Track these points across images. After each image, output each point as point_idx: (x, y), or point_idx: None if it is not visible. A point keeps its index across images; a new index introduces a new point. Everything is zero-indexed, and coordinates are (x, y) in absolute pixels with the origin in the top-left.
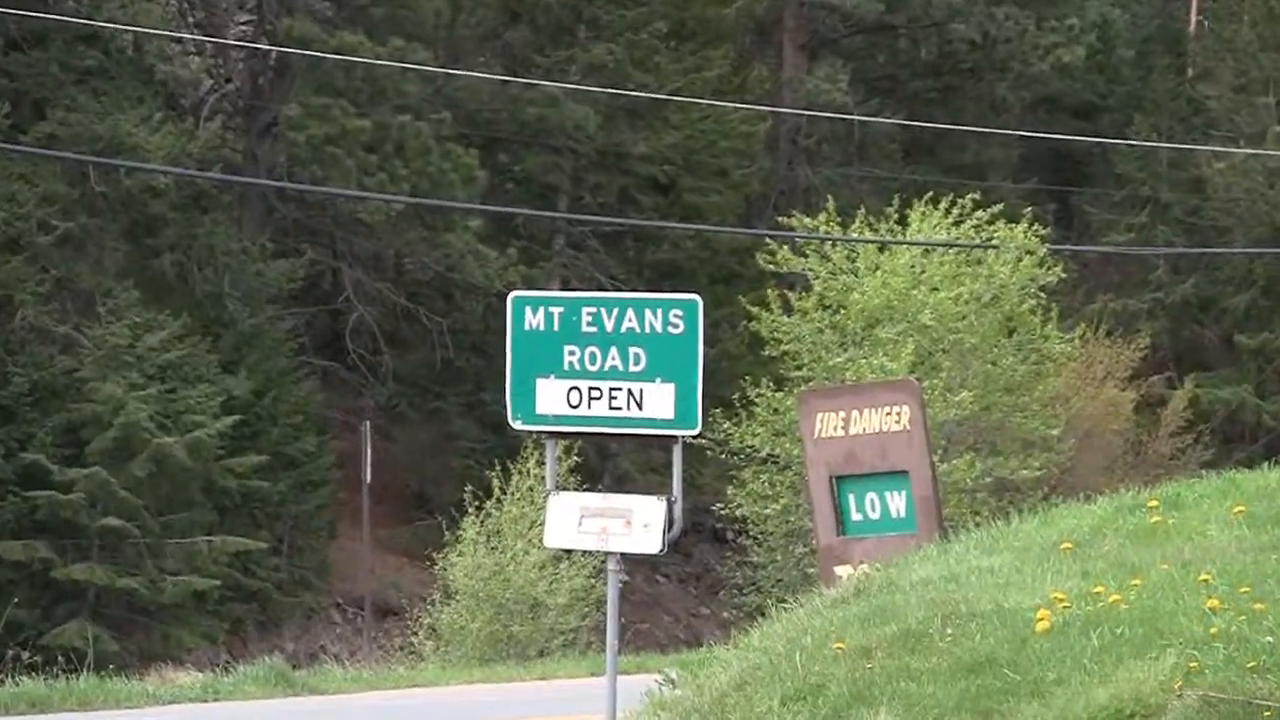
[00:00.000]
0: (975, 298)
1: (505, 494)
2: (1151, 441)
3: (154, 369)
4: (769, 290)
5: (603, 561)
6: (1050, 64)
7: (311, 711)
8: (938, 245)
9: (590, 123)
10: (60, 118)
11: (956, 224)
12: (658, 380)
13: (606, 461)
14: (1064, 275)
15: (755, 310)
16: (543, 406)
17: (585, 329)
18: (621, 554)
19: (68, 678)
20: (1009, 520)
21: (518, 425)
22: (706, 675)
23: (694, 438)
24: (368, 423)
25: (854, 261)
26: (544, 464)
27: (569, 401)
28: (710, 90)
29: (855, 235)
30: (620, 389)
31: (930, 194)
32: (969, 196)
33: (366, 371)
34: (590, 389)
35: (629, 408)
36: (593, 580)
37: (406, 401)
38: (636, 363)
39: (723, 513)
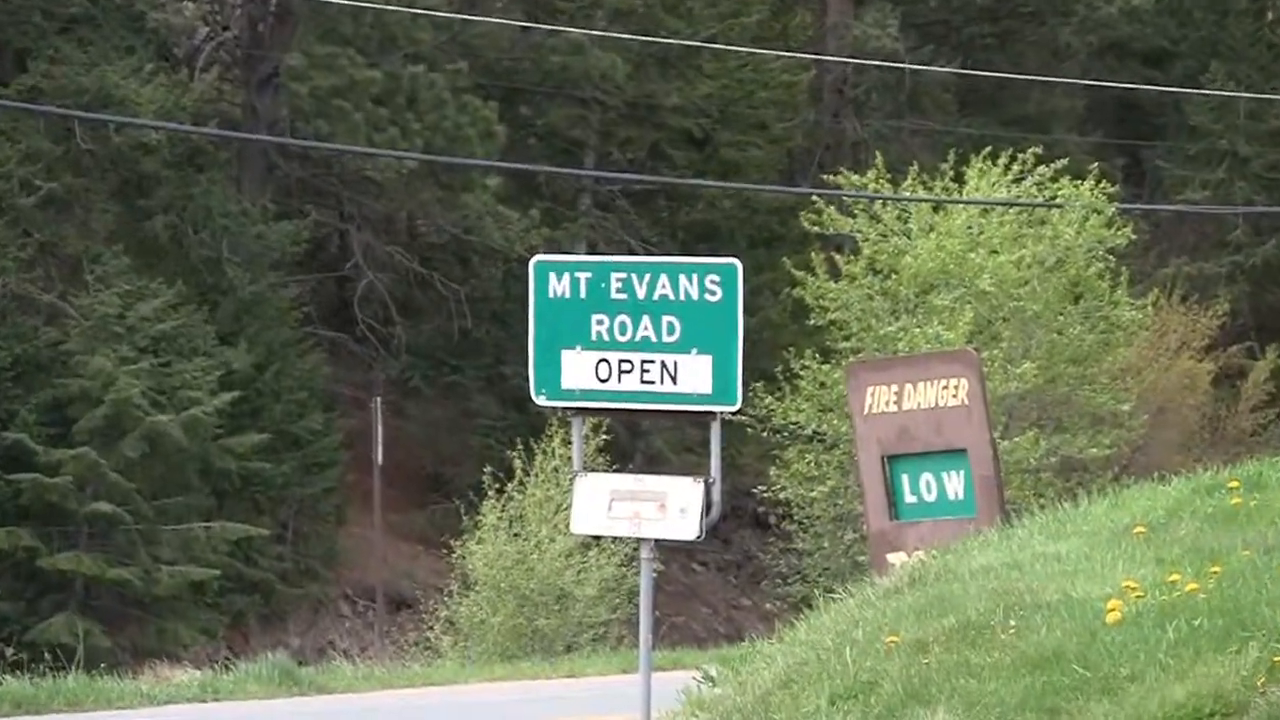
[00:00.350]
0: (1038, 261)
1: (528, 476)
2: (1231, 416)
3: (146, 341)
4: (814, 253)
5: (634, 549)
6: (1118, 6)
7: (319, 712)
8: (997, 204)
9: (618, 72)
10: (43, 69)
11: (1017, 181)
12: (694, 351)
13: (638, 440)
14: (1134, 237)
15: (799, 275)
16: (569, 380)
17: (614, 296)
18: (655, 541)
19: (55, 676)
20: (1076, 502)
21: (541, 401)
22: (748, 672)
23: (733, 414)
24: (378, 399)
25: (906, 222)
26: (570, 443)
27: (597, 375)
28: (749, 37)
29: (907, 194)
30: (653, 361)
31: (988, 149)
32: (1030, 151)
33: (377, 343)
34: (620, 361)
35: (662, 381)
36: (624, 569)
37: (420, 375)
38: (670, 333)
39: (765, 496)
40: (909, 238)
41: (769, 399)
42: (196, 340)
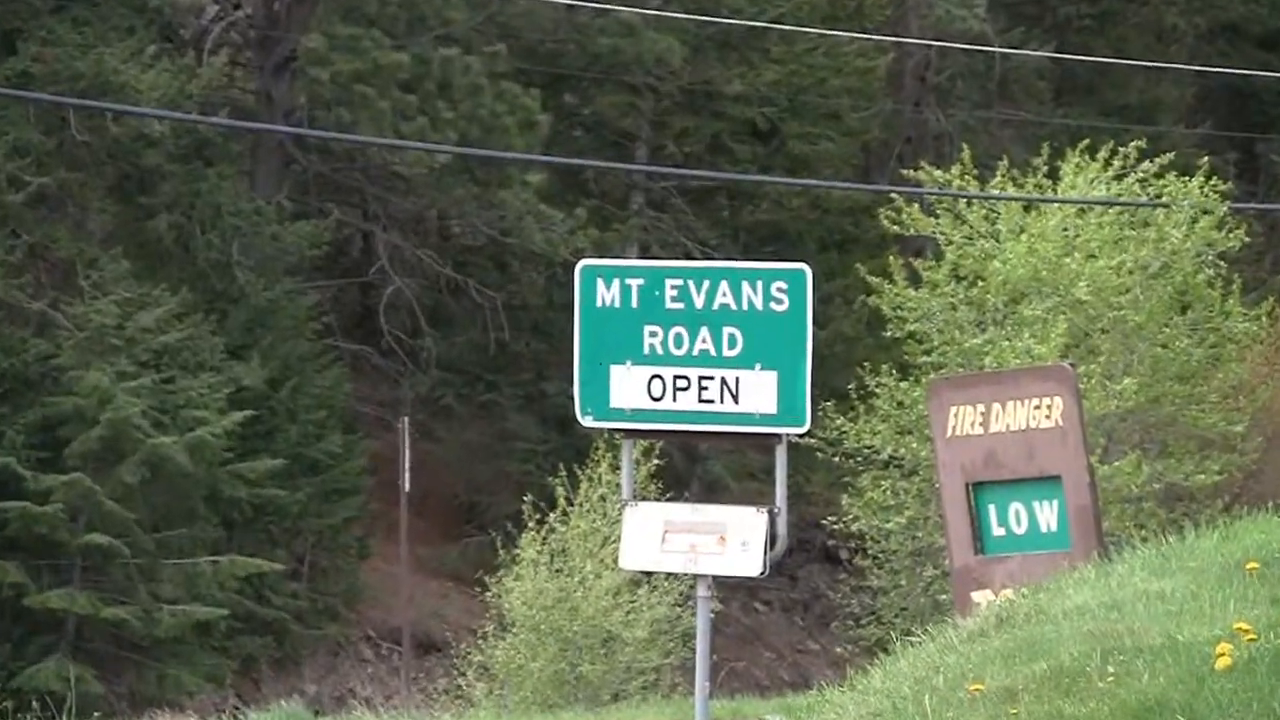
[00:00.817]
0: (1141, 267)
1: (572, 505)
2: None
3: (147, 354)
4: (891, 258)
5: (690, 586)
6: None
7: None
8: (1096, 203)
9: (674, 56)
10: (34, 52)
11: (1118, 178)
12: (757, 367)
13: (695, 465)
14: (1248, 240)
15: (875, 282)
16: (618, 399)
17: (669, 305)
18: (713, 577)
19: None
20: (1183, 535)
21: (587, 422)
22: None
23: (801, 437)
24: (406, 419)
25: (994, 223)
26: (619, 469)
27: (650, 393)
28: (819, 17)
29: (996, 192)
30: (712, 378)
31: (1086, 142)
32: (1133, 145)
33: (404, 357)
34: (676, 378)
35: (722, 400)
36: (678, 609)
37: (453, 393)
38: (732, 346)
39: (835, 527)
40: (997, 240)
41: (841, 420)
42: (203, 354)
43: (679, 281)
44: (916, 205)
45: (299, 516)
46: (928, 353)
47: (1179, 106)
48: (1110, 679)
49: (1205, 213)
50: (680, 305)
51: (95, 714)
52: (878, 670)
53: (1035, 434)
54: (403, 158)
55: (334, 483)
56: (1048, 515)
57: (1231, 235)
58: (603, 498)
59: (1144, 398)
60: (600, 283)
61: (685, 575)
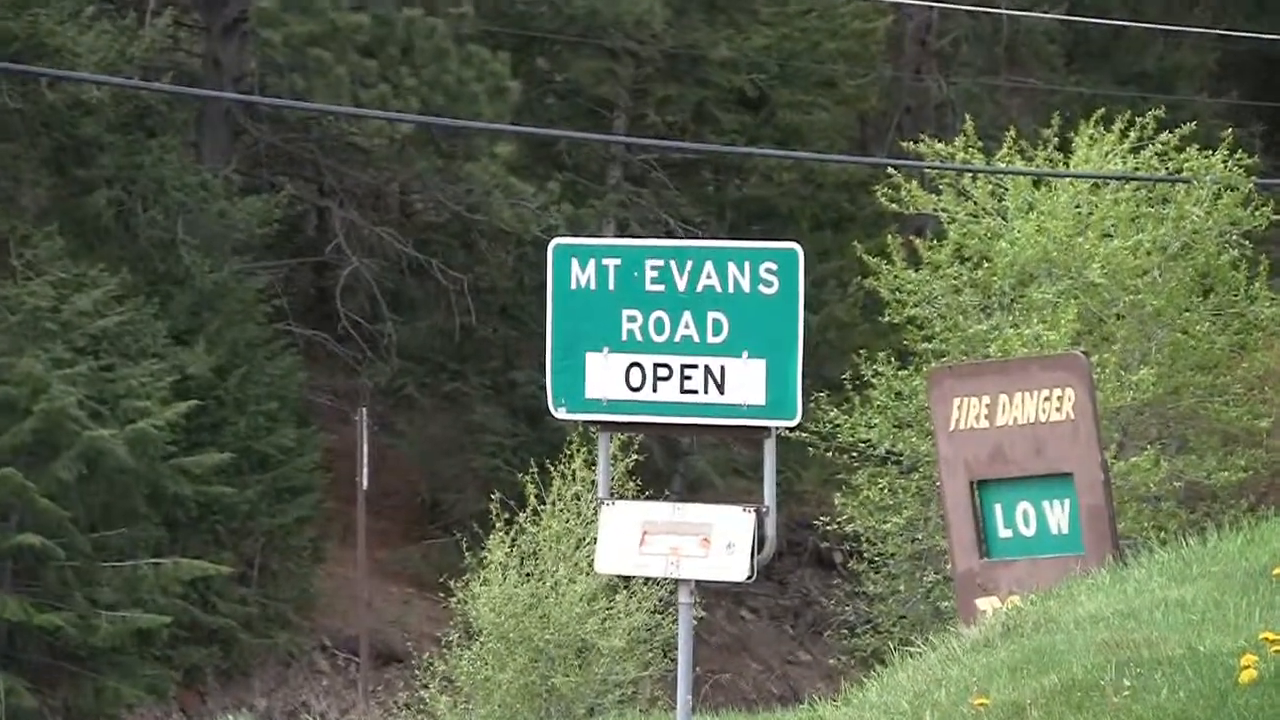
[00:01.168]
0: (1159, 247)
1: (544, 504)
2: None
3: (85, 340)
4: (890, 237)
5: (671, 592)
6: None
7: None
8: (1110, 179)
9: (656, 18)
10: None
11: (1135, 151)
12: (745, 355)
13: (677, 461)
14: (1276, 218)
15: (872, 263)
16: (594, 389)
17: (649, 287)
18: (697, 582)
19: None
20: (1205, 538)
21: (560, 414)
22: None
23: (791, 430)
24: (364, 410)
25: (1001, 200)
26: (594, 465)
27: (628, 382)
28: None
29: (1003, 166)
30: (695, 366)
31: (1101, 111)
32: (1151, 115)
33: (363, 343)
34: (656, 366)
35: (706, 391)
36: (659, 617)
37: (415, 383)
38: (717, 332)
39: (829, 529)
40: (1004, 219)
41: (834, 412)
42: (145, 339)
43: (660, 262)
44: (916, 180)
45: (248, 516)
46: (929, 339)
47: (1201, 74)
48: (1126, 693)
49: (1229, 188)
50: (661, 288)
51: None
52: (874, 683)
53: (1045, 428)
54: (361, 128)
55: (286, 480)
56: (1058, 516)
57: (1258, 213)
58: (577, 496)
59: (1162, 389)
60: (575, 263)
61: (666, 580)
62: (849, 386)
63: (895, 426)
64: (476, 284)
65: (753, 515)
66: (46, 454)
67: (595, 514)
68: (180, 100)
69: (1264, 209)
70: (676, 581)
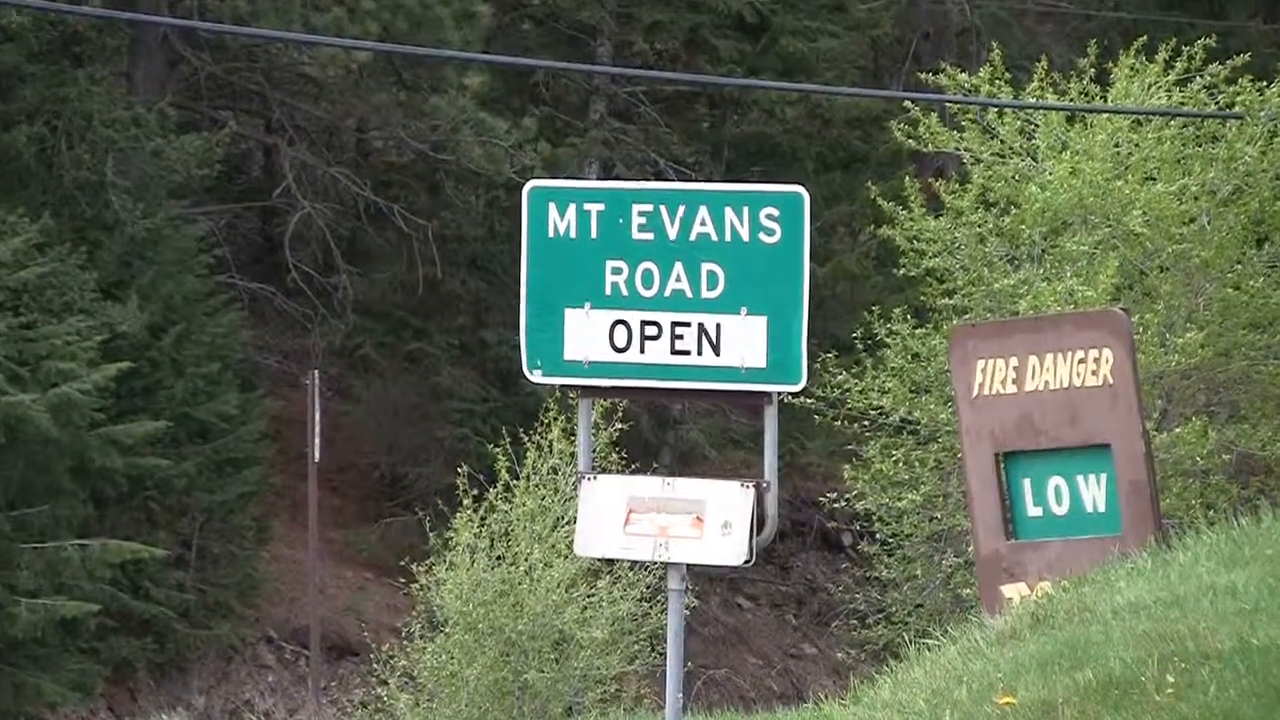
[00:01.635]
0: (1208, 191)
1: (517, 479)
2: None
3: (3, 294)
4: (907, 179)
5: (660, 578)
6: None
7: None
8: (1153, 114)
9: None
10: None
11: (1180, 83)
12: (743, 312)
13: (666, 431)
14: None
15: (887, 208)
16: (573, 350)
17: (637, 236)
18: (689, 566)
19: None
20: (1258, 517)
21: (536, 378)
22: None
23: (795, 396)
24: (315, 373)
25: (1031, 139)
26: (574, 435)
27: (612, 342)
28: None
29: (1033, 100)
30: (688, 324)
31: (1142, 39)
32: (1200, 43)
33: (314, 298)
34: (644, 324)
35: (700, 352)
36: (646, 605)
37: (373, 342)
38: (712, 286)
39: (836, 506)
40: (1034, 159)
41: (843, 376)
42: (71, 293)
43: (648, 207)
44: (936, 116)
45: (185, 492)
46: (949, 294)
47: None
48: (1170, 691)
49: None
50: (649, 236)
51: None
52: (887, 680)
53: (1080, 394)
54: (314, 56)
55: (228, 451)
56: (1094, 492)
57: None
58: (554, 470)
59: (1211, 350)
60: (553, 208)
61: (654, 564)
62: (860, 347)
63: (912, 392)
64: (442, 231)
65: (751, 491)
66: None
67: (575, 490)
68: (111, 25)
69: None
70: (666, 566)
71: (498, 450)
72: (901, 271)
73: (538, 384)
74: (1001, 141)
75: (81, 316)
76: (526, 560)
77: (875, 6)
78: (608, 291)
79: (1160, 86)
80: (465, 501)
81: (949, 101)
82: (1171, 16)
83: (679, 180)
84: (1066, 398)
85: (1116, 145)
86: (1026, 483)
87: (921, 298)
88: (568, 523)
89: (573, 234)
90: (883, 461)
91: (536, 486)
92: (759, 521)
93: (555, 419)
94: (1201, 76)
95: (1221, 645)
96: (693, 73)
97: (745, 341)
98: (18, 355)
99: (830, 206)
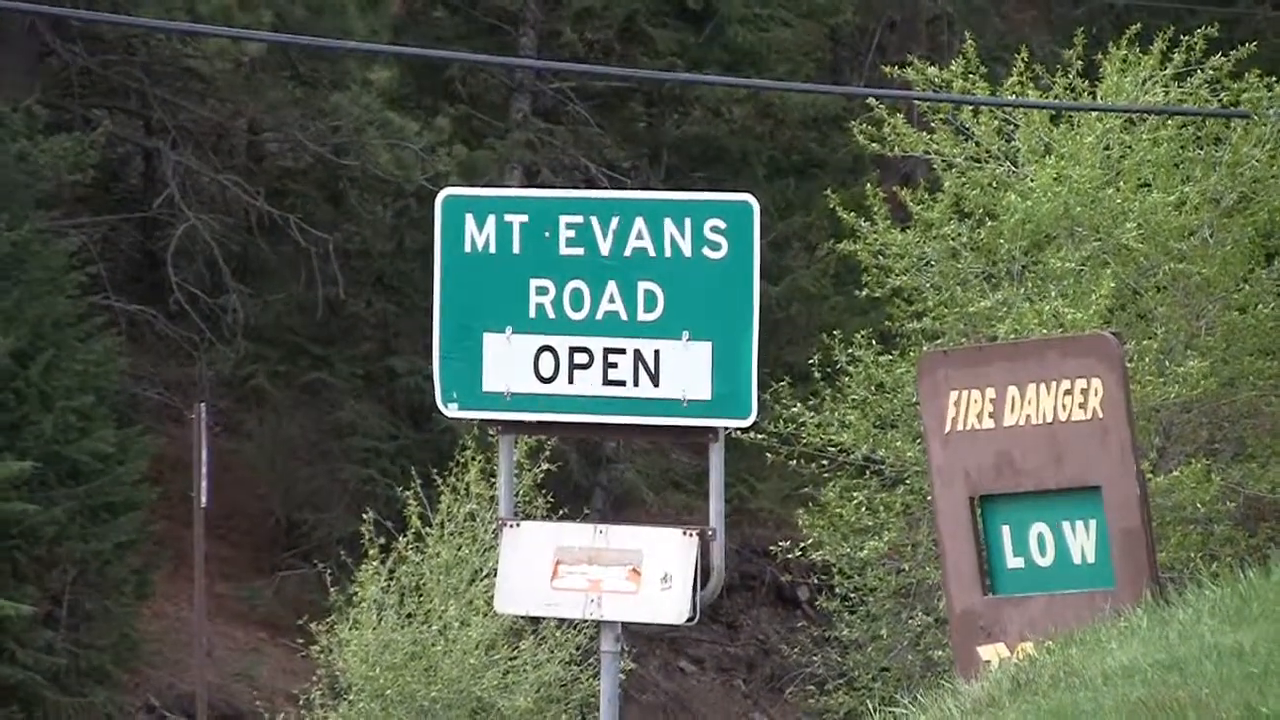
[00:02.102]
0: (1211, 201)
1: (429, 526)
2: None
3: None
4: (870, 187)
5: (592, 638)
6: None
7: None
8: (1148, 113)
9: None
10: None
11: (1179, 78)
12: (685, 337)
13: (599, 472)
14: None
15: (849, 220)
16: (493, 381)
17: (565, 251)
18: (625, 625)
19: None
20: (1268, 569)
21: (451, 411)
22: None
23: (744, 431)
24: (203, 406)
25: (1010, 140)
26: (494, 476)
27: (537, 372)
28: None
29: (1012, 97)
30: (623, 351)
31: (1136, 27)
32: (1199, 32)
33: (201, 321)
34: (573, 351)
35: (637, 382)
36: (576, 669)
37: (267, 372)
38: (650, 307)
39: (791, 557)
40: (1014, 164)
41: (798, 409)
42: None
43: (577, 218)
44: (903, 115)
45: (55, 541)
46: (919, 317)
47: None
48: None
49: None
50: (579, 251)
51: None
52: None
53: (1066, 429)
54: (199, 48)
55: (104, 494)
56: (1083, 541)
57: None
58: (472, 516)
59: (1215, 381)
60: (470, 220)
61: (585, 623)
62: (818, 376)
63: (876, 427)
64: (345, 246)
65: (695, 540)
66: None
67: (495, 539)
68: None
69: None
70: (599, 624)
71: (408, 494)
72: (864, 291)
73: (453, 419)
74: (977, 144)
75: None
76: (441, 618)
77: None
78: (532, 314)
79: (1156, 81)
80: (371, 552)
81: (917, 99)
82: (1169, 2)
83: (612, 188)
84: (1051, 434)
85: (1107, 148)
86: (1006, 530)
87: (887, 321)
88: (487, 576)
89: (492, 249)
90: (843, 506)
91: (452, 535)
92: (703, 574)
93: (473, 458)
94: (1202, 70)
95: (1227, 714)
96: (627, 66)
97: (687, 370)
98: None
99: (783, 218)
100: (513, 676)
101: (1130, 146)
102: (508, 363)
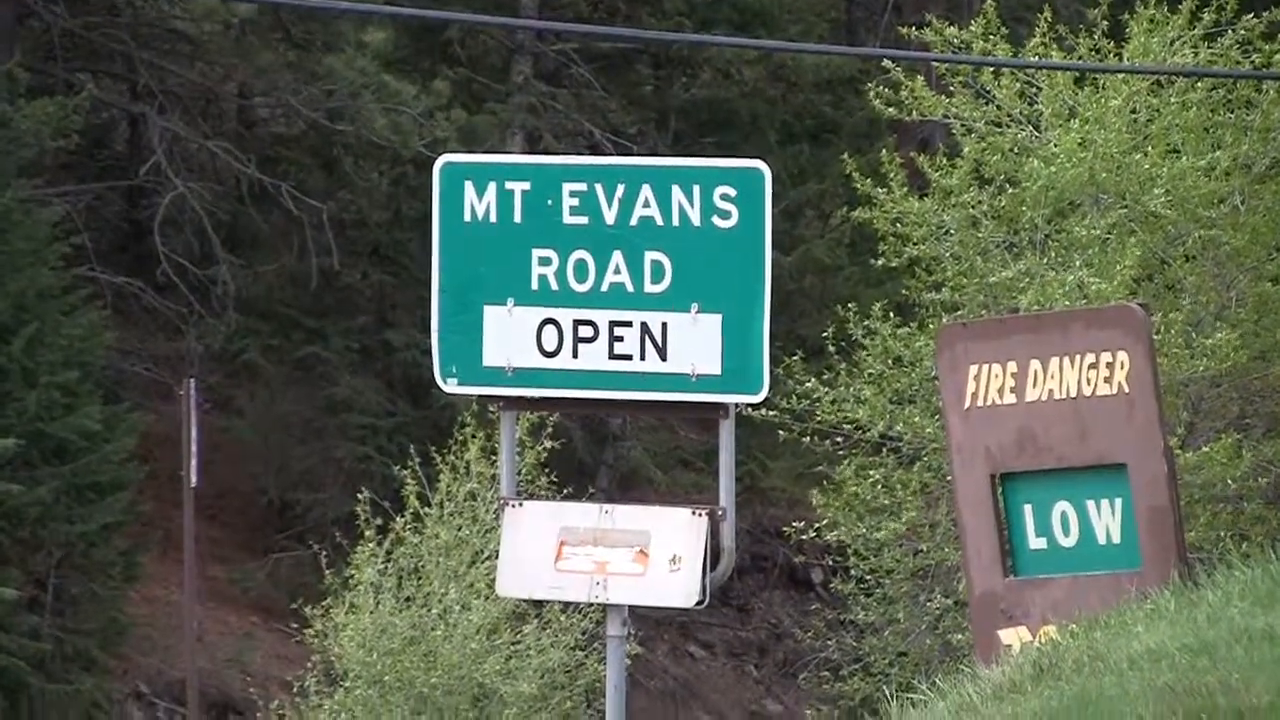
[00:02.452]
0: (1242, 167)
1: (428, 506)
2: None
3: None
4: (886, 153)
5: (598, 623)
6: None
7: None
8: (1175, 75)
9: None
10: None
11: (1208, 38)
12: (694, 309)
13: (604, 450)
14: None
15: (864, 187)
16: (494, 355)
17: (569, 220)
18: (631, 609)
19: None
20: None
21: (451, 387)
22: None
23: (756, 408)
24: (192, 382)
25: (1033, 104)
26: (495, 454)
27: (540, 346)
28: None
29: (1034, 59)
30: (629, 324)
31: None
32: None
33: (190, 294)
34: (577, 324)
35: (644, 356)
36: (580, 653)
37: (259, 346)
38: (657, 279)
39: (804, 538)
40: (1037, 129)
41: (812, 384)
42: None
43: (581, 186)
44: (921, 77)
45: (39, 522)
46: (937, 288)
47: None
48: None
49: None
50: (584, 220)
51: None
52: None
53: (1090, 404)
54: (187, 9)
55: (90, 474)
56: (1107, 521)
57: None
58: (472, 495)
59: (1245, 354)
60: (469, 188)
61: (590, 606)
62: (832, 350)
63: (892, 403)
64: (340, 215)
65: (704, 520)
66: None
67: (497, 519)
68: None
69: None
70: (604, 608)
71: (405, 473)
72: (881, 261)
73: (452, 394)
74: (998, 108)
75: None
76: (440, 602)
77: None
78: (535, 286)
79: (1185, 42)
80: (368, 533)
81: (936, 60)
82: None
83: (617, 154)
84: (1075, 409)
85: (1134, 111)
86: (1028, 509)
87: (904, 292)
88: (488, 557)
89: (493, 218)
90: (858, 485)
91: (451, 515)
92: (713, 555)
93: (473, 435)
94: (1233, 30)
95: (1258, 700)
96: (633, 26)
97: (696, 344)
98: None
99: (796, 185)
100: (515, 662)
101: (1158, 110)
102: (509, 336)
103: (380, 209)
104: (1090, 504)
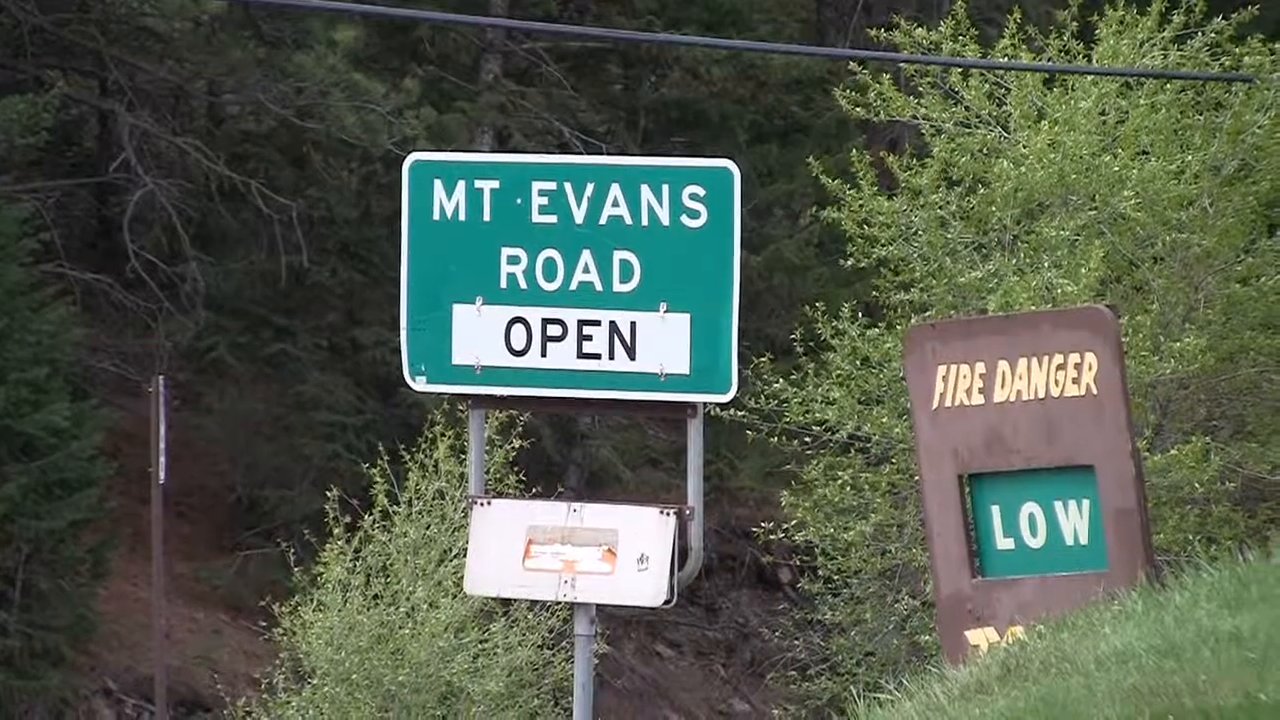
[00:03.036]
0: (1211, 169)
1: (397, 505)
2: None
3: None
4: (855, 153)
5: (566, 620)
6: None
7: None
8: (1146, 77)
9: None
10: None
11: (1178, 40)
12: (663, 309)
13: (573, 448)
14: None
15: (833, 187)
16: (463, 354)
17: (538, 219)
18: (599, 607)
19: None
20: (1267, 551)
21: (419, 385)
22: None
23: (724, 407)
24: (161, 379)
25: (1001, 105)
26: (464, 453)
27: (509, 344)
28: None
29: (1003, 60)
30: (597, 323)
31: None
32: None
33: (159, 290)
34: (546, 323)
35: (613, 355)
36: (548, 653)
37: (228, 343)
38: (626, 278)
39: (773, 538)
40: (1005, 130)
41: (780, 384)
42: None
43: (551, 184)
44: (890, 78)
45: (7, 518)
46: (906, 288)
47: None
48: None
49: None
50: (552, 219)
51: None
52: None
53: (1058, 405)
54: (157, 6)
55: (57, 470)
56: (1075, 522)
57: None
58: (441, 494)
59: (1214, 356)
60: (439, 186)
61: (558, 605)
62: (800, 350)
63: (861, 403)
64: (309, 213)
65: (672, 519)
66: None
67: (465, 517)
68: None
69: None
70: (572, 607)
71: (374, 470)
72: (849, 262)
73: (421, 393)
74: (967, 109)
75: None
76: (408, 600)
77: None
78: (503, 284)
79: (1154, 44)
80: (336, 531)
81: (905, 61)
82: None
83: (587, 153)
84: (1043, 410)
85: (1103, 113)
86: (995, 510)
87: (873, 292)
88: (456, 556)
89: (462, 216)
90: (826, 485)
91: (420, 513)
92: (681, 554)
93: (442, 434)
94: (1203, 32)
95: (1224, 701)
96: (603, 26)
97: (665, 343)
98: None
99: (765, 184)
100: (483, 660)
101: (1127, 112)
102: (478, 335)
103: (350, 207)
104: (1058, 505)
